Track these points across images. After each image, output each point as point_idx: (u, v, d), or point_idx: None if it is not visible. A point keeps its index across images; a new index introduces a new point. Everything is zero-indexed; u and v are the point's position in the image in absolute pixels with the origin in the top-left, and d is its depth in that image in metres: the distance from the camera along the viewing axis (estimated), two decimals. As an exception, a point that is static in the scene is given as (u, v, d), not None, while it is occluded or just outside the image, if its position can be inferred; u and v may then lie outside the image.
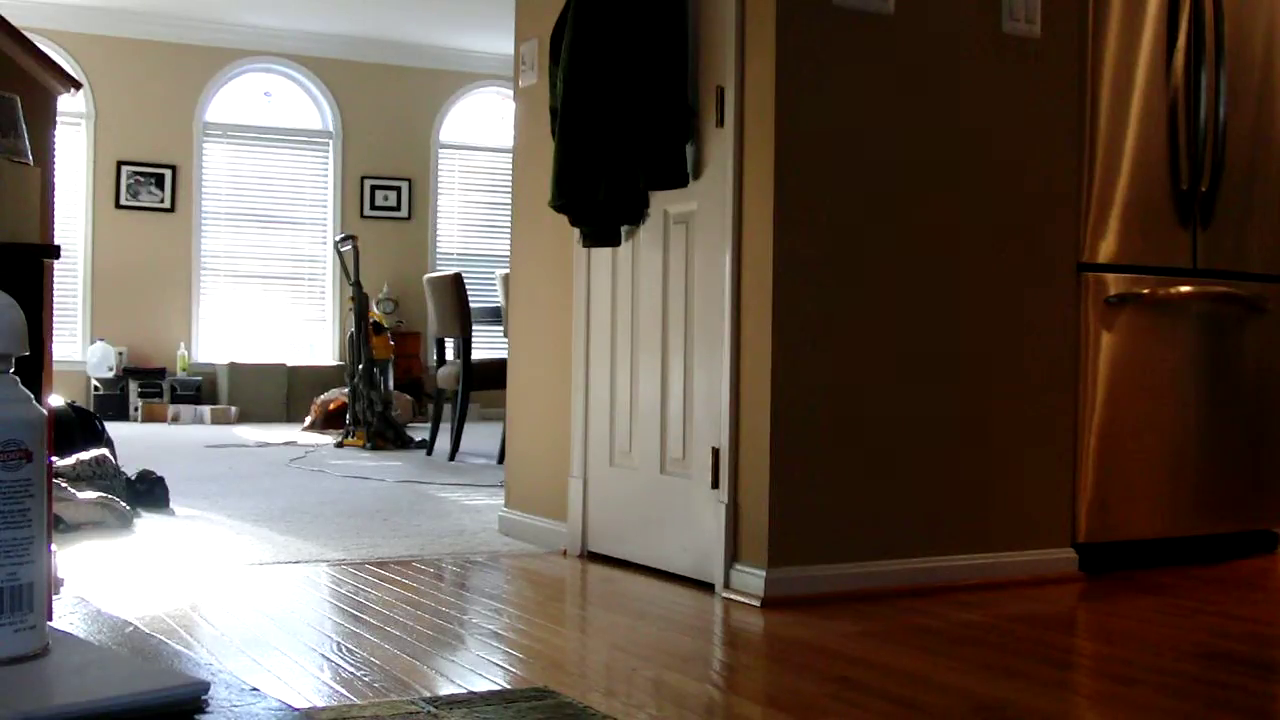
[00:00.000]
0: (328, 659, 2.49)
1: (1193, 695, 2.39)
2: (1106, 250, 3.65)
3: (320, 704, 2.14)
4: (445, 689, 2.28)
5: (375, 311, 10.38)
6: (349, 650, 2.56)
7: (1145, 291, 3.71)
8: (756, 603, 3.09)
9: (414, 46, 11.38)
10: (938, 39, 3.38)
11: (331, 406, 9.09)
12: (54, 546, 2.63)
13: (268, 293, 11.15)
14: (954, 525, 3.38)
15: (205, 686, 0.91)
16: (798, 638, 2.77)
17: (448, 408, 7.29)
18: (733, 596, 3.18)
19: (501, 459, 5.54)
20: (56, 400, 5.26)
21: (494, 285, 9.62)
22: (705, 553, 3.31)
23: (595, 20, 3.49)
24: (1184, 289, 3.79)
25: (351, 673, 2.37)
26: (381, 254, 11.00)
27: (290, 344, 11.12)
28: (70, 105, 9.86)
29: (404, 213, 11.49)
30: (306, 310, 11.30)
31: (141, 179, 10.67)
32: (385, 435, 7.68)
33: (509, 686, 2.30)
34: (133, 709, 0.86)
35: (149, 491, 4.68)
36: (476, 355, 7.10)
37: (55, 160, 2.87)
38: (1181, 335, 3.79)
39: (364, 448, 7.58)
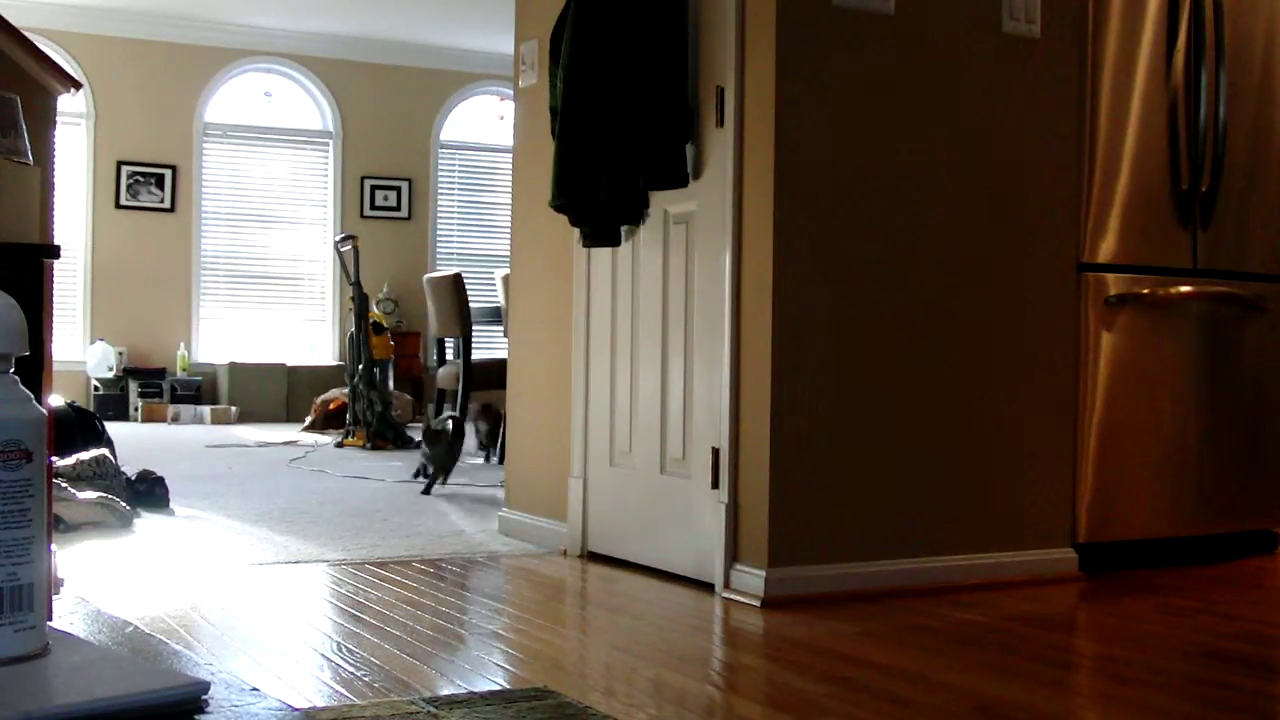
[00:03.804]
0: (328, 659, 2.49)
1: (1193, 695, 2.39)
2: (1106, 250, 3.65)
3: (320, 704, 2.14)
4: (445, 689, 2.28)
5: (375, 311, 10.38)
6: (349, 650, 2.56)
7: (1145, 291, 3.71)
8: (756, 603, 3.09)
9: (414, 46, 11.38)
10: (938, 39, 3.38)
11: (331, 406, 9.10)
12: (54, 546, 2.63)
13: (268, 292, 11.15)
14: (954, 525, 3.38)
15: (205, 686, 0.91)
16: (798, 638, 2.77)
17: (448, 408, 7.29)
18: (733, 596, 3.18)
19: (501, 459, 5.54)
20: (56, 400, 5.26)
21: (494, 285, 9.62)
22: (705, 553, 3.31)
23: (595, 20, 3.49)
24: (1184, 289, 3.79)
25: (351, 673, 2.37)
26: (381, 254, 11.00)
27: (290, 344, 11.12)
28: (70, 105, 9.86)
29: (404, 213, 11.49)
30: (306, 310, 11.30)
31: (141, 179, 10.67)
32: (385, 435, 7.68)
33: (509, 686, 2.30)
34: (133, 709, 0.86)
35: (149, 491, 4.68)
36: (476, 355, 7.11)
37: (55, 160, 2.87)
38: (1181, 335, 3.79)
39: (364, 448, 7.58)
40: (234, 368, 10.44)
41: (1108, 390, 3.63)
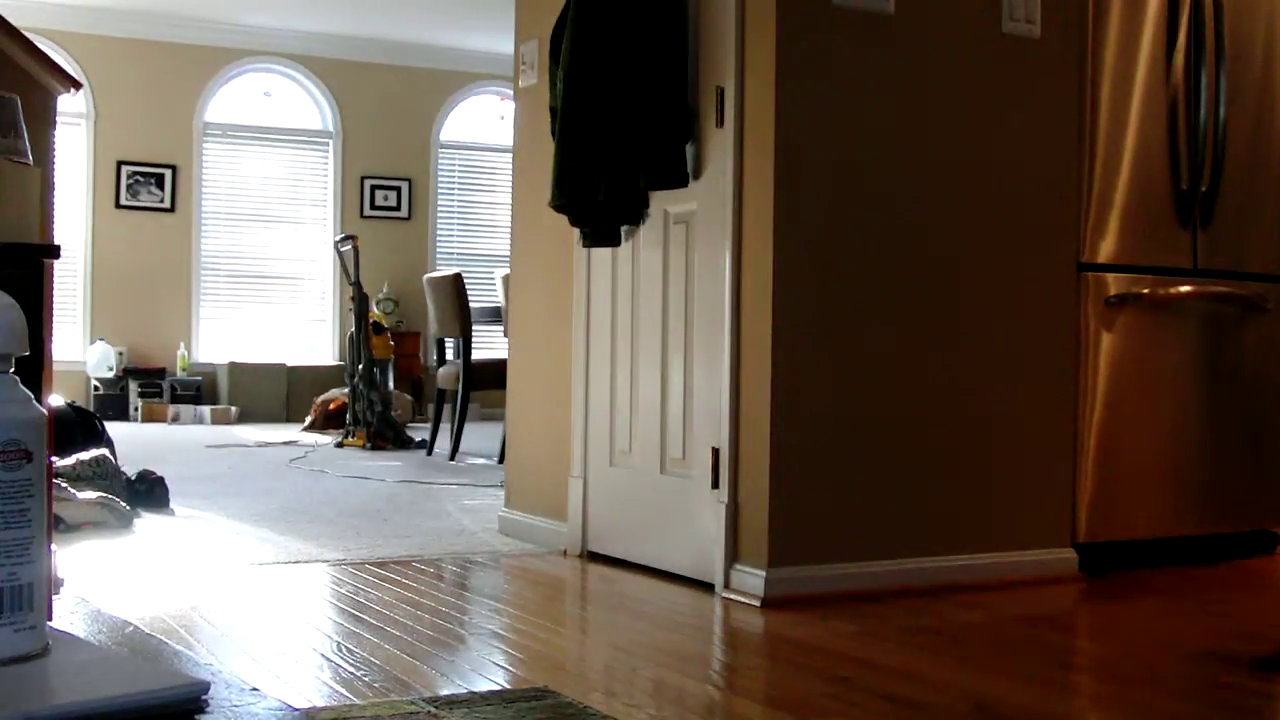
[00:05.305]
0: (328, 659, 2.49)
1: (1193, 695, 2.39)
2: (1106, 250, 3.65)
3: (320, 704, 2.14)
4: (445, 689, 2.28)
5: (375, 311, 10.38)
6: (349, 650, 2.56)
7: (1145, 291, 3.71)
8: (756, 603, 3.09)
9: (414, 46, 11.37)
10: (938, 39, 3.38)
11: (331, 406, 9.09)
12: (54, 546, 2.63)
13: (268, 292, 11.14)
14: (954, 525, 3.38)
15: (205, 686, 0.91)
16: (798, 638, 2.77)
17: (448, 408, 7.29)
18: (733, 596, 3.18)
19: (501, 459, 5.54)
20: (56, 400, 5.26)
21: (494, 285, 9.62)
22: (705, 553, 3.31)
23: (595, 20, 3.49)
24: (1184, 289, 3.79)
25: (351, 673, 2.37)
26: (381, 254, 11.00)
27: (290, 344, 11.12)
28: (70, 105, 9.85)
29: (404, 213, 11.49)
30: (306, 310, 11.29)
31: (141, 179, 10.66)
32: (385, 435, 7.68)
33: (509, 686, 2.30)
34: (133, 709, 0.86)
35: (149, 491, 4.67)
36: (476, 355, 7.10)
37: (55, 160, 2.86)
38: (1181, 335, 3.79)
39: (364, 448, 7.58)
40: (234, 368, 10.44)
41: (1108, 390, 3.63)
